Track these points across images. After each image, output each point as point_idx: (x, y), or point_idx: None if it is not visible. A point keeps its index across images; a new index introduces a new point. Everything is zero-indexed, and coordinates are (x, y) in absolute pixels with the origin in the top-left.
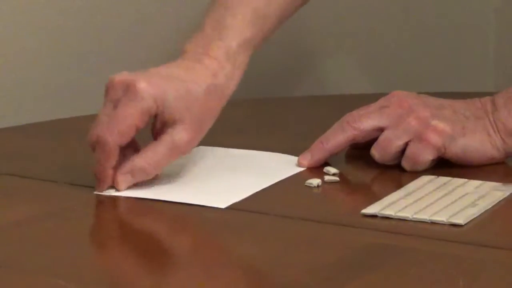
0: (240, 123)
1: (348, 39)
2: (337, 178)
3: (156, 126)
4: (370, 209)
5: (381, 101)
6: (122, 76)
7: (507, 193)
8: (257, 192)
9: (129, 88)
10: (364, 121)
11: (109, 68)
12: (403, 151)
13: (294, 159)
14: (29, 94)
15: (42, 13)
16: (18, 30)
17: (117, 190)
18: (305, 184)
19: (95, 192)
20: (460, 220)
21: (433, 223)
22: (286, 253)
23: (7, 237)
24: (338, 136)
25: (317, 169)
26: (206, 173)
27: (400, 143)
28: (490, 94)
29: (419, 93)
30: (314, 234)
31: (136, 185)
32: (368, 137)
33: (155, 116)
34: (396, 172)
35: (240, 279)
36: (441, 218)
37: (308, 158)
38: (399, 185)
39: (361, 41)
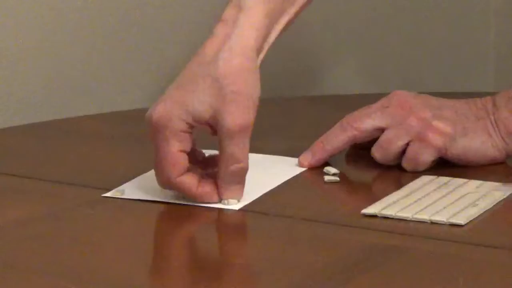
0: None
1: (348, 39)
2: (337, 178)
3: (212, 132)
4: (370, 209)
5: (382, 101)
6: (147, 115)
7: (507, 193)
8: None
9: (151, 126)
10: (364, 121)
11: (109, 68)
12: (403, 151)
13: (293, 160)
14: (29, 94)
15: (42, 13)
16: (18, 30)
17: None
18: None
19: (103, 195)
20: (460, 220)
21: (433, 223)
22: (286, 253)
23: (7, 237)
24: (338, 136)
25: (317, 169)
26: None
27: (401, 143)
28: (490, 94)
29: (420, 93)
30: (314, 234)
31: (141, 188)
32: (368, 137)
33: (203, 128)
34: (397, 172)
35: (240, 279)
36: (441, 218)
37: (309, 158)
38: (399, 185)
39: (361, 41)
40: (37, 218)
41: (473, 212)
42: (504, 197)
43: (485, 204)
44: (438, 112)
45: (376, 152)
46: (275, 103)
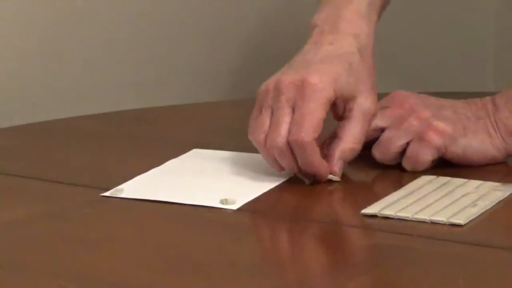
0: (239, 124)
1: None
2: (337, 178)
3: (337, 110)
4: (370, 209)
5: (382, 102)
6: (288, 78)
7: (507, 193)
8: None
9: (304, 86)
10: None
11: (109, 68)
12: (403, 151)
13: None
14: (29, 94)
15: (42, 13)
16: (18, 30)
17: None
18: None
19: (101, 195)
20: (460, 220)
21: (433, 223)
22: (286, 253)
23: (7, 237)
24: None
25: None
26: (208, 175)
27: (401, 143)
28: (490, 94)
29: (420, 93)
30: (315, 234)
31: (141, 187)
32: (369, 138)
33: (333, 102)
34: (397, 172)
35: (240, 279)
36: (441, 218)
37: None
38: (399, 185)
39: None
40: (37, 218)
41: (473, 212)
42: (504, 197)
43: (485, 204)
44: (438, 112)
45: (376, 152)
46: None
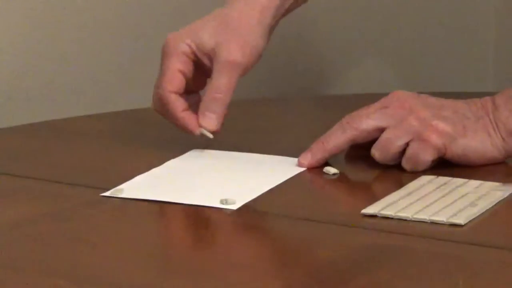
0: (239, 123)
1: (348, 39)
2: (209, 134)
3: (207, 65)
4: (370, 209)
5: (382, 101)
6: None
7: (507, 193)
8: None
9: (163, 46)
10: (364, 122)
11: (109, 68)
12: (403, 151)
13: (293, 160)
14: (29, 94)
15: (42, 12)
16: (18, 30)
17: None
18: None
19: (101, 194)
20: (460, 220)
21: (433, 223)
22: (286, 253)
23: (7, 237)
24: (338, 137)
25: (317, 169)
26: (208, 175)
27: (400, 143)
28: (490, 94)
29: (420, 93)
30: (314, 234)
31: (140, 187)
32: (368, 138)
33: (200, 60)
34: (396, 172)
35: (240, 279)
36: (441, 218)
37: (309, 158)
38: (399, 185)
39: (360, 41)
40: (37, 218)
41: (472, 212)
42: (504, 197)
43: (485, 204)
44: (438, 112)
45: (376, 152)
46: (276, 103)
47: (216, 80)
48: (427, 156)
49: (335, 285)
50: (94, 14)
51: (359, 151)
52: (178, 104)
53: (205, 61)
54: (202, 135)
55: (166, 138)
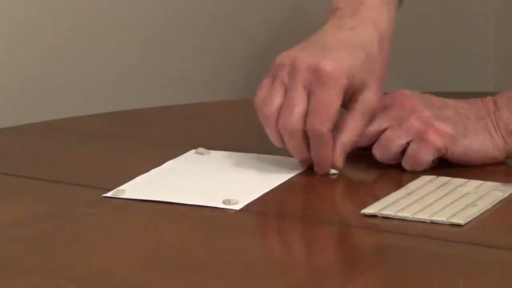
0: (240, 124)
1: None
2: (337, 172)
3: (346, 97)
4: (370, 209)
5: (383, 101)
6: (306, 59)
7: (507, 193)
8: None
9: (319, 72)
10: (367, 127)
11: (109, 68)
12: (404, 150)
13: (294, 160)
14: (29, 94)
15: (42, 12)
16: (18, 30)
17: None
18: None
19: (103, 195)
20: (460, 220)
21: (433, 223)
22: (286, 253)
23: (7, 237)
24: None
25: None
26: (209, 176)
27: (401, 142)
28: (490, 94)
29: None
30: (314, 234)
31: (142, 188)
32: (371, 141)
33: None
34: (397, 172)
35: (240, 279)
36: (441, 218)
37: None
38: (399, 185)
39: None
40: (37, 218)
41: (473, 212)
42: (504, 197)
43: (485, 204)
44: (439, 112)
45: (377, 151)
46: None
47: (357, 121)
48: (427, 156)
49: (335, 285)
50: (94, 14)
51: (359, 151)
52: (330, 145)
53: (347, 96)
54: (329, 174)
55: (166, 138)
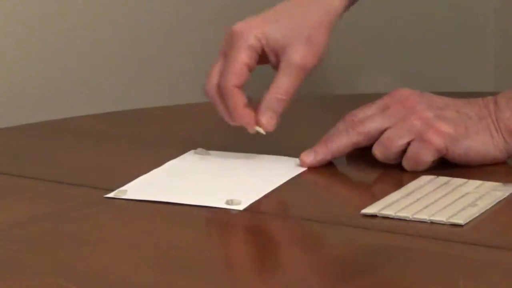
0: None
1: (348, 39)
2: (262, 131)
3: (272, 61)
4: (370, 209)
5: (384, 100)
6: (228, 28)
7: (507, 193)
8: None
9: (230, 34)
10: (367, 125)
11: (109, 68)
12: (405, 150)
13: (295, 160)
14: (29, 94)
15: (42, 12)
16: (18, 30)
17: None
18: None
19: (105, 196)
20: (460, 220)
21: (433, 223)
22: (286, 253)
23: (6, 237)
24: (342, 140)
25: (317, 169)
26: (211, 176)
27: (402, 142)
28: (490, 94)
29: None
30: (314, 234)
31: (144, 188)
32: (372, 140)
33: (266, 54)
34: (397, 172)
35: (240, 279)
36: (441, 218)
37: (311, 158)
38: (399, 185)
39: (361, 41)
40: (37, 218)
41: (472, 212)
42: (504, 197)
43: (485, 204)
44: (440, 112)
45: (378, 151)
46: None
47: (282, 81)
48: (428, 157)
49: (335, 285)
50: (94, 14)
51: (360, 151)
52: (240, 98)
53: (271, 57)
54: (257, 132)
55: (167, 139)
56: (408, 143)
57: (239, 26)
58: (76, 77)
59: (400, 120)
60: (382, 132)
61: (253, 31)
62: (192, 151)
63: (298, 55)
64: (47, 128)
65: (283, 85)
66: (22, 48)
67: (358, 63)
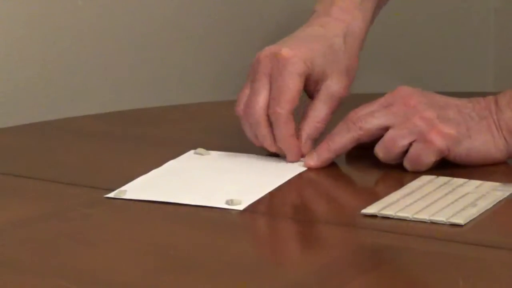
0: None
1: None
2: (303, 163)
3: (309, 87)
4: (370, 209)
5: (386, 98)
6: (266, 51)
7: (507, 193)
8: None
9: (277, 59)
10: (369, 121)
11: (109, 68)
12: (407, 150)
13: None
14: (29, 94)
15: (42, 13)
16: (18, 30)
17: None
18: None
19: (105, 196)
20: (460, 220)
21: (433, 223)
22: (286, 253)
23: (7, 237)
24: (343, 137)
25: (317, 169)
26: (211, 176)
27: (404, 143)
28: (490, 94)
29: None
30: (314, 234)
31: (143, 188)
32: (373, 137)
33: (307, 78)
34: (398, 172)
35: (240, 279)
36: (441, 218)
37: (315, 159)
38: (400, 185)
39: None
40: (37, 218)
41: (472, 212)
42: (504, 197)
43: (485, 204)
44: (442, 112)
45: (379, 151)
46: None
47: (321, 109)
48: (430, 158)
49: (335, 285)
50: (95, 14)
51: (360, 151)
52: (291, 127)
53: (311, 84)
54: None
55: (167, 139)
56: (410, 144)
57: (287, 51)
58: (76, 77)
59: (402, 120)
60: (383, 129)
61: (302, 58)
62: (192, 151)
63: (339, 86)
64: (47, 128)
65: (321, 113)
66: (22, 48)
67: (359, 63)
